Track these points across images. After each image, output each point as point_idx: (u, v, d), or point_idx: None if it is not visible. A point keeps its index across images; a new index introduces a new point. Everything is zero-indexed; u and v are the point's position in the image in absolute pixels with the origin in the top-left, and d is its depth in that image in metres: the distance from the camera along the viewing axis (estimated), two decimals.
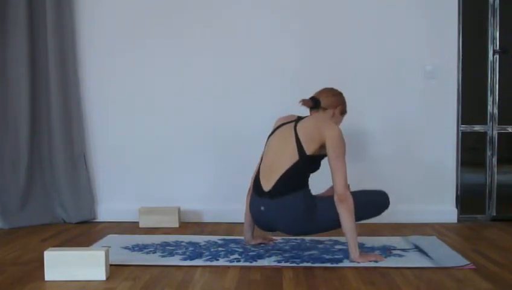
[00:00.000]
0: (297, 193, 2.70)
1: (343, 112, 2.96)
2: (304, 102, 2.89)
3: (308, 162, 2.73)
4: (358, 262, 2.63)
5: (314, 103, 2.89)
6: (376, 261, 2.64)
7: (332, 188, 2.84)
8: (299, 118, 2.87)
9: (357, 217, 2.70)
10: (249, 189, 2.95)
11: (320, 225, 2.74)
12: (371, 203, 2.85)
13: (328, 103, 2.90)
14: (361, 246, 2.96)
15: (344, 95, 2.97)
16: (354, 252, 2.65)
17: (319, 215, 2.71)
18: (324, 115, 2.89)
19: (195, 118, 3.77)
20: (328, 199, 2.74)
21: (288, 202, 2.68)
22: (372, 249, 2.93)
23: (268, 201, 2.72)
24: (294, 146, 2.72)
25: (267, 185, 2.74)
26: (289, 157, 2.72)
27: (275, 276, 2.47)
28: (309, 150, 2.72)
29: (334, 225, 2.70)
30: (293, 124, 2.82)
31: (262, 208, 2.75)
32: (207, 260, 2.72)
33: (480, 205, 3.85)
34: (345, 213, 2.64)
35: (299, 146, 2.72)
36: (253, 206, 2.82)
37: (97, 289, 2.30)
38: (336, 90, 2.97)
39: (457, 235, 3.34)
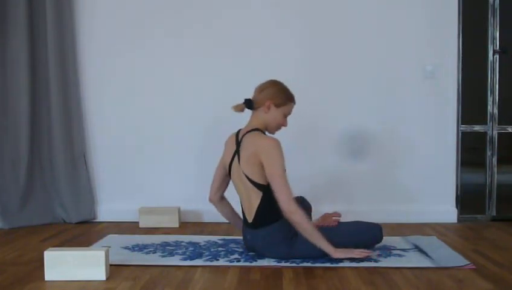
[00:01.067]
0: (274, 224, 2.69)
1: (279, 103, 2.77)
2: (236, 107, 2.81)
3: (270, 191, 2.66)
4: (337, 258, 2.63)
5: (247, 105, 2.81)
6: (360, 255, 2.63)
7: (323, 217, 2.91)
8: (238, 140, 2.78)
9: (346, 244, 2.68)
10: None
11: (303, 252, 2.69)
12: (362, 233, 2.81)
13: (257, 100, 2.78)
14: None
15: (281, 84, 2.81)
16: (328, 250, 2.63)
17: (300, 243, 2.67)
18: (256, 117, 2.80)
19: (196, 118, 3.77)
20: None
21: (267, 232, 2.70)
22: (372, 249, 2.92)
23: (252, 231, 2.76)
24: (249, 185, 2.70)
25: (249, 217, 2.75)
26: (254, 195, 2.70)
27: (275, 276, 2.47)
28: (262, 179, 2.68)
29: (318, 252, 2.66)
30: (236, 155, 2.76)
31: (248, 236, 2.79)
32: (207, 260, 2.72)
33: (480, 205, 3.85)
34: (298, 226, 2.61)
35: (253, 183, 2.69)
36: (243, 233, 2.86)
37: (97, 289, 2.30)
38: (266, 83, 2.82)
39: (457, 235, 3.34)
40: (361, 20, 3.73)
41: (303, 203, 2.99)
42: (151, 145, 3.81)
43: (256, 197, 2.70)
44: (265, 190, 2.67)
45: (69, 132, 3.76)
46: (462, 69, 3.75)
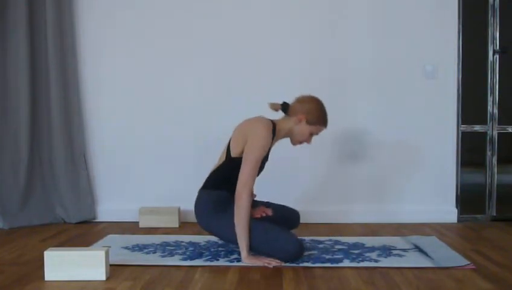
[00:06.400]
0: (214, 191, 2.77)
1: (311, 122, 2.79)
2: (273, 105, 2.86)
3: (232, 165, 2.72)
4: (246, 263, 2.61)
5: (283, 108, 2.85)
6: (269, 264, 2.58)
7: (258, 208, 2.87)
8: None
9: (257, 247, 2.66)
10: None
11: (221, 231, 2.73)
12: (275, 244, 2.64)
13: (294, 108, 2.81)
14: (361, 246, 2.98)
15: (322, 106, 2.85)
16: (242, 250, 2.63)
17: (223, 222, 2.70)
18: (285, 121, 2.83)
19: (196, 118, 3.77)
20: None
21: (205, 196, 2.80)
22: (372, 249, 2.93)
23: (199, 191, 2.85)
24: (225, 147, 2.81)
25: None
26: (220, 159, 2.82)
27: (275, 276, 2.47)
28: (233, 151, 2.75)
29: (231, 237, 2.67)
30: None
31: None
32: (207, 260, 2.72)
33: (480, 205, 3.85)
34: (237, 210, 2.63)
35: (228, 147, 2.79)
36: None
37: (97, 289, 2.30)
38: (308, 97, 2.84)
39: (457, 235, 3.34)
40: (361, 20, 3.73)
41: (291, 218, 3.01)
42: (151, 145, 3.81)
43: (220, 159, 2.81)
44: (229, 160, 2.75)
45: (69, 132, 3.76)
46: (462, 69, 3.75)
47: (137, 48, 3.79)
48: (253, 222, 2.69)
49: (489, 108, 3.82)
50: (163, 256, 2.80)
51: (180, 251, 2.89)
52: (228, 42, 3.76)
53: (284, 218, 2.97)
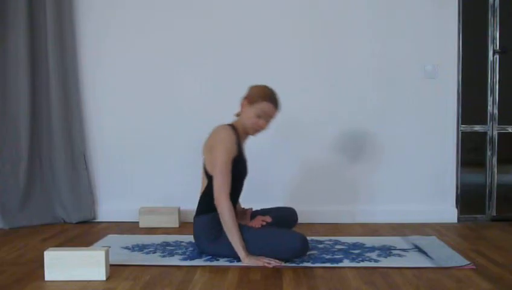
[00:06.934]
0: (206, 215, 2.74)
1: (252, 101, 2.75)
2: (236, 115, 2.90)
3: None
4: (246, 263, 2.60)
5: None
6: (269, 264, 2.57)
7: (256, 219, 2.83)
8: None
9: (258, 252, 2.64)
10: None
11: (225, 252, 2.69)
12: (279, 245, 2.64)
13: (241, 101, 2.85)
14: (361, 246, 2.98)
15: (263, 86, 2.80)
16: (239, 252, 2.62)
17: (223, 243, 2.67)
18: (239, 118, 2.84)
19: (196, 118, 3.76)
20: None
21: (199, 221, 2.77)
22: (372, 249, 2.93)
23: (194, 219, 2.83)
24: (202, 170, 2.80)
25: None
26: (203, 183, 2.80)
27: (275, 276, 2.47)
28: (210, 171, 2.74)
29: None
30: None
31: None
32: (207, 260, 2.72)
33: (480, 205, 3.85)
34: (220, 217, 2.63)
35: (204, 168, 2.78)
36: None
37: (97, 289, 2.30)
38: (252, 85, 2.83)
39: (457, 235, 3.34)
40: (361, 20, 3.74)
41: (288, 215, 3.02)
42: (151, 145, 3.81)
43: (203, 184, 2.79)
44: (210, 179, 2.73)
45: (69, 132, 3.76)
46: (462, 69, 3.75)
47: (137, 48, 3.79)
48: (254, 233, 2.69)
49: (489, 108, 3.82)
50: (163, 256, 2.80)
51: (180, 251, 2.89)
52: (228, 42, 3.76)
53: (283, 218, 2.97)
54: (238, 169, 2.76)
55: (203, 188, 2.79)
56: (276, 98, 2.80)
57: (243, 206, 3.07)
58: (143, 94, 3.80)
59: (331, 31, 3.75)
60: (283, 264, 2.61)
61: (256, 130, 2.82)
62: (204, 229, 2.74)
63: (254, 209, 3.04)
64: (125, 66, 3.80)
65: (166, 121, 3.81)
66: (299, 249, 2.63)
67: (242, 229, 2.68)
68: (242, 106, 2.80)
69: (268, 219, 2.82)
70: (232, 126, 2.79)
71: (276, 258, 2.63)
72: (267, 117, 2.78)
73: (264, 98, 2.75)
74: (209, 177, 2.74)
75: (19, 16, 3.63)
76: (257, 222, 2.79)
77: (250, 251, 2.64)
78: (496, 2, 3.76)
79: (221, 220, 2.64)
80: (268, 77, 3.72)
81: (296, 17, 3.75)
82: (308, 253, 2.82)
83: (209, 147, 2.75)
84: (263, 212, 2.98)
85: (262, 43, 3.75)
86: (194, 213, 2.83)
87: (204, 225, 2.74)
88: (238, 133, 2.79)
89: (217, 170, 2.65)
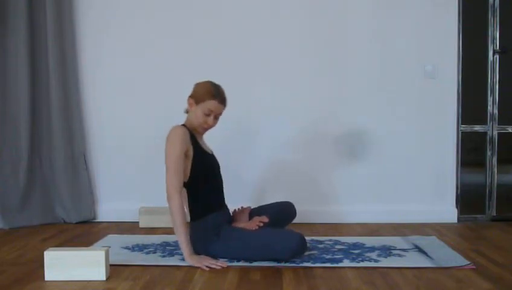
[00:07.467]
0: (198, 221, 2.73)
1: (198, 100, 2.75)
2: (185, 110, 2.89)
3: (191, 189, 2.72)
4: (188, 262, 2.61)
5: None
6: (210, 265, 2.56)
7: (252, 220, 2.81)
8: None
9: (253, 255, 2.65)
10: None
11: (225, 253, 2.67)
12: (273, 245, 2.63)
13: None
14: (361, 246, 2.98)
15: (207, 83, 2.79)
16: (183, 250, 2.62)
17: (219, 245, 2.67)
18: (188, 116, 2.84)
19: None
20: (237, 229, 2.72)
21: (192, 228, 2.75)
22: (372, 249, 2.93)
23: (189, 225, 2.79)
24: None
25: None
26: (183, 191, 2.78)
27: (275, 276, 2.47)
28: (184, 176, 2.73)
29: (237, 255, 2.66)
30: None
31: None
32: None
33: (480, 205, 3.85)
34: (170, 212, 2.63)
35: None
36: None
37: (97, 289, 2.30)
38: (197, 83, 2.82)
39: (457, 235, 3.33)
40: (361, 20, 3.74)
41: (285, 210, 3.03)
42: (151, 145, 3.80)
43: (183, 193, 2.78)
44: (187, 186, 2.74)
45: (69, 132, 3.76)
46: (462, 69, 3.75)
47: (137, 48, 3.79)
48: (252, 235, 2.67)
49: (489, 108, 3.82)
50: (163, 256, 2.80)
51: (180, 251, 2.89)
52: (228, 42, 3.76)
53: (281, 214, 2.99)
54: (204, 164, 2.75)
55: (186, 196, 2.79)
56: (222, 94, 2.79)
57: (241, 205, 3.06)
58: (143, 94, 3.80)
59: (331, 30, 3.75)
60: (227, 265, 2.60)
61: (205, 128, 2.82)
62: (197, 234, 2.72)
63: (252, 207, 3.04)
64: (125, 66, 3.80)
65: (166, 121, 3.79)
66: (297, 248, 2.63)
67: (239, 233, 2.68)
68: (189, 105, 2.79)
69: (265, 218, 2.81)
70: (184, 125, 2.79)
71: (275, 258, 2.62)
72: (215, 114, 2.78)
73: (210, 96, 2.74)
74: (185, 184, 2.74)
75: (18, 16, 3.63)
76: (254, 224, 2.78)
77: (247, 254, 2.64)
78: (495, 2, 3.76)
79: (171, 213, 2.61)
80: (269, 76, 3.75)
81: (296, 17, 3.75)
82: (308, 253, 2.82)
83: None
84: (261, 210, 2.98)
85: (262, 43, 3.75)
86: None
87: (197, 232, 2.72)
88: (190, 130, 2.78)
89: (167, 166, 2.65)
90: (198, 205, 2.73)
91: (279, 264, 2.62)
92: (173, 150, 2.65)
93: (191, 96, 2.79)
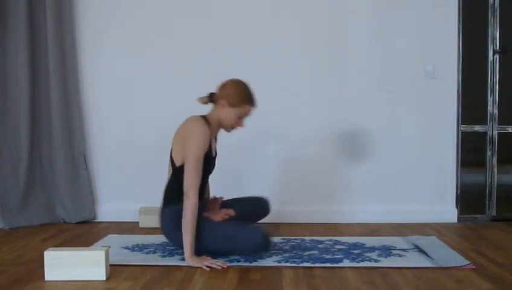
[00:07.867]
0: (173, 206, 2.73)
1: (234, 104, 2.75)
2: (200, 99, 2.86)
3: (180, 174, 2.70)
4: (188, 263, 2.60)
5: (210, 98, 2.85)
6: (210, 265, 2.56)
7: (220, 212, 2.83)
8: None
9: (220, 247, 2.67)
10: None
11: (196, 244, 2.66)
12: (239, 239, 2.67)
13: (217, 96, 2.81)
14: (361, 246, 2.98)
15: (243, 87, 2.79)
16: (186, 251, 2.62)
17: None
18: (213, 111, 2.82)
19: None
20: (207, 220, 2.73)
21: (167, 213, 2.77)
22: (372, 249, 2.93)
23: (160, 210, 2.83)
24: (168, 160, 2.80)
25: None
26: (169, 171, 2.81)
27: (275, 276, 2.47)
28: (177, 161, 2.74)
29: (208, 248, 2.67)
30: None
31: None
32: None
33: (480, 205, 3.85)
34: (184, 210, 2.61)
35: (171, 159, 2.78)
36: None
37: (97, 289, 2.30)
38: (228, 81, 2.81)
39: (457, 235, 3.33)
40: (361, 20, 3.74)
41: (256, 206, 3.03)
42: (151, 145, 3.81)
43: (169, 174, 2.79)
44: (176, 170, 2.74)
45: (69, 131, 3.76)
46: (462, 69, 3.74)
47: (137, 48, 3.79)
48: (214, 226, 2.69)
49: (489, 108, 3.82)
50: (163, 256, 2.81)
51: (180, 251, 2.88)
52: (228, 42, 3.75)
53: (252, 208, 2.99)
54: (204, 165, 2.73)
55: (168, 178, 2.80)
56: (255, 98, 2.82)
57: (214, 195, 3.05)
58: (143, 94, 3.80)
59: (331, 30, 3.75)
60: (227, 265, 2.60)
61: (234, 128, 2.85)
62: (171, 221, 2.72)
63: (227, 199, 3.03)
64: (125, 66, 3.80)
65: (166, 121, 3.79)
66: (259, 244, 2.64)
67: (204, 222, 2.68)
68: (221, 105, 2.78)
69: (232, 212, 2.82)
70: (206, 119, 2.78)
71: (239, 252, 2.66)
72: (247, 116, 2.83)
73: (246, 102, 2.78)
74: (174, 168, 2.75)
75: (18, 16, 3.63)
76: (220, 216, 2.80)
77: (210, 245, 2.66)
78: (495, 2, 3.76)
79: (185, 213, 2.60)
80: (269, 76, 3.75)
81: (296, 17, 3.74)
82: (308, 253, 2.82)
83: (181, 137, 2.73)
84: (232, 202, 2.97)
85: (262, 43, 3.75)
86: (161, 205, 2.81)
87: (171, 217, 2.73)
88: (211, 126, 2.78)
89: (189, 165, 2.64)
90: (177, 191, 2.69)
91: (278, 264, 2.62)
92: (197, 150, 2.66)
93: (223, 97, 2.77)
